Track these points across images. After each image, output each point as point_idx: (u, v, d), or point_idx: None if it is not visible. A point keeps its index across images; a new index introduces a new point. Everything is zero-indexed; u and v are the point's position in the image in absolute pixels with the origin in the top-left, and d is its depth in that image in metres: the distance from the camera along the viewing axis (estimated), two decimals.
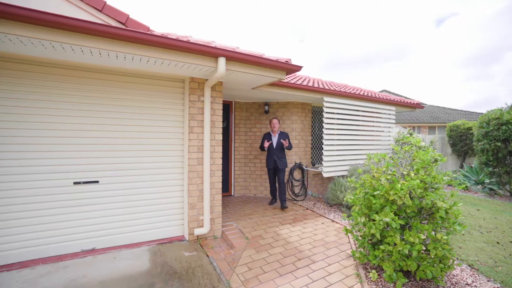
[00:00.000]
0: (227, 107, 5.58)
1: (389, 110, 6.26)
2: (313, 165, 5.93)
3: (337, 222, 4.11)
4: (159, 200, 3.41)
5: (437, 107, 18.37)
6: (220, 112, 3.62)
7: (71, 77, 2.92)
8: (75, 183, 2.98)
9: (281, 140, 4.70)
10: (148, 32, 2.47)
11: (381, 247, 2.50)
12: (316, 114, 6.09)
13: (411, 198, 2.44)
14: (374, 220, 2.60)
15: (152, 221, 3.37)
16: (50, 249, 2.86)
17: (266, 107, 5.51)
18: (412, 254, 2.29)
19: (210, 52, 2.75)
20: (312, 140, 5.97)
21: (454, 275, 2.77)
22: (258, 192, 5.61)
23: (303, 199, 5.51)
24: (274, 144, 4.76)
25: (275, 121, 4.82)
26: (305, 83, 4.76)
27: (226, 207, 4.80)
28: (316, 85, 4.82)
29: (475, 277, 2.77)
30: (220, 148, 3.63)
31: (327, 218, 4.31)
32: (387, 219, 2.30)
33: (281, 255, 3.07)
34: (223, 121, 5.48)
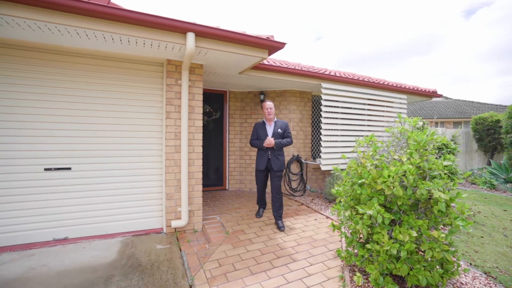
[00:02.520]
0: (221, 97, 5.34)
1: (400, 99, 5.69)
2: (314, 158, 5.52)
3: (331, 219, 3.71)
4: (136, 190, 3.23)
5: (464, 101, 16.95)
6: (200, 97, 3.38)
7: (36, 59, 2.79)
8: (46, 169, 2.87)
9: (278, 130, 3.47)
10: (106, 4, 2.27)
11: (367, 245, 2.12)
12: (317, 104, 5.67)
13: (404, 188, 2.03)
14: (361, 214, 2.23)
15: (129, 211, 3.20)
16: (20, 236, 2.77)
17: (262, 96, 5.20)
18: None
19: (176, 27, 2.50)
20: (312, 131, 5.57)
21: (462, 284, 2.31)
22: (254, 187, 5.31)
23: (302, 195, 5.13)
24: (270, 136, 3.46)
25: (268, 104, 3.47)
26: (305, 69, 4.36)
27: (216, 200, 4.56)
28: (312, 70, 4.42)
29: (491, 287, 2.30)
30: (200, 136, 3.39)
31: (321, 214, 3.93)
32: (370, 212, 1.92)
33: (259, 252, 2.76)
34: (217, 111, 5.27)
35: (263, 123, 3.58)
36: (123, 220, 3.18)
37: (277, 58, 4.07)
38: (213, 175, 5.42)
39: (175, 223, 3.17)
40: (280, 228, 3.30)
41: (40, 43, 2.74)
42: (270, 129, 3.53)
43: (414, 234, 1.81)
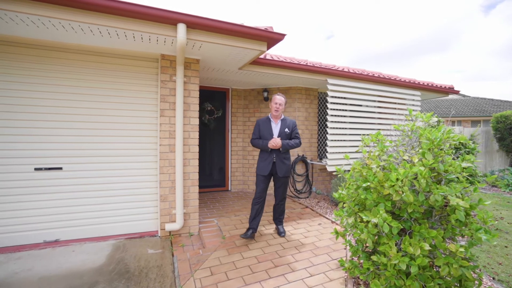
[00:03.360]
0: (223, 95, 5.17)
1: (413, 95, 5.34)
2: (320, 159, 5.26)
3: (336, 224, 3.46)
4: (131, 191, 3.10)
5: (483, 98, 16.08)
6: (196, 94, 3.21)
7: (21, 55, 2.69)
8: (36, 169, 2.78)
9: (286, 130, 2.98)
10: None
11: (373, 257, 1.87)
12: (324, 101, 5.40)
13: (416, 193, 1.78)
14: (366, 221, 1.98)
15: (123, 213, 3.08)
16: (9, 238, 2.69)
17: (265, 94, 4.99)
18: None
19: (166, 18, 2.34)
20: (318, 130, 5.30)
21: None
22: None
23: (307, 197, 4.89)
24: (275, 136, 2.95)
25: (279, 98, 2.95)
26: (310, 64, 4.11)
27: (217, 202, 4.39)
28: (317, 65, 4.17)
29: None
30: (196, 134, 3.22)
31: (326, 218, 3.68)
32: (375, 220, 1.68)
33: (256, 259, 2.56)
34: (219, 109, 5.10)
35: (268, 120, 3.04)
36: (117, 222, 3.05)
37: (284, 55, 3.82)
38: (215, 176, 5.26)
39: (169, 226, 3.02)
40: (281, 233, 3.07)
41: (25, 38, 2.65)
42: (276, 128, 3.01)
43: (427, 247, 1.55)
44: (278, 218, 3.18)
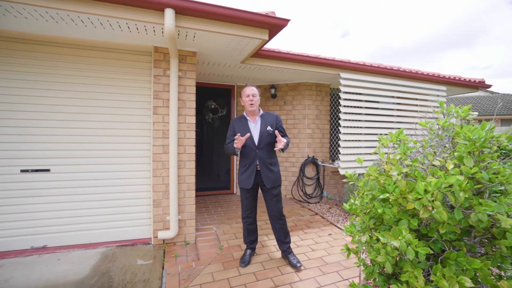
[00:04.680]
0: (228, 92, 4.88)
1: (437, 91, 4.80)
2: (332, 160, 4.85)
3: (350, 235, 3.06)
4: (123, 195, 2.88)
5: None
6: (193, 89, 2.94)
7: (8, 50, 2.53)
8: (22, 171, 2.62)
9: (268, 129, 2.33)
10: None
11: (392, 287, 1.50)
12: (336, 98, 4.99)
13: (450, 209, 1.39)
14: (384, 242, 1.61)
15: (114, 218, 2.86)
16: None
17: (273, 90, 4.65)
18: None
19: (151, 2, 2.08)
20: (330, 129, 4.89)
21: None
22: None
23: (318, 202, 4.50)
24: (256, 139, 2.34)
25: (249, 89, 2.32)
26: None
27: (219, 206, 4.11)
28: (328, 57, 3.78)
29: None
30: (193, 134, 2.95)
31: (338, 227, 3.29)
32: (396, 243, 1.31)
33: (254, 276, 2.24)
34: (223, 108, 4.83)
35: (243, 119, 2.40)
36: (108, 229, 2.84)
37: (296, 51, 3.46)
38: (222, 177, 4.99)
39: (162, 234, 2.76)
40: (296, 265, 2.34)
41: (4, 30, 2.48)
42: (255, 128, 2.36)
43: (469, 283, 1.17)
44: (284, 242, 2.45)
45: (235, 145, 2.21)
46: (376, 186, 1.70)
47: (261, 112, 2.43)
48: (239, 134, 2.18)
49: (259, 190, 2.47)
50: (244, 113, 2.44)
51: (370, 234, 1.70)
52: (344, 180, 1.89)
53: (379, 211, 1.55)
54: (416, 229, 1.50)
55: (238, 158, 4.92)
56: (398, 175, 1.49)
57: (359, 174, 1.92)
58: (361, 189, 1.82)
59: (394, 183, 1.53)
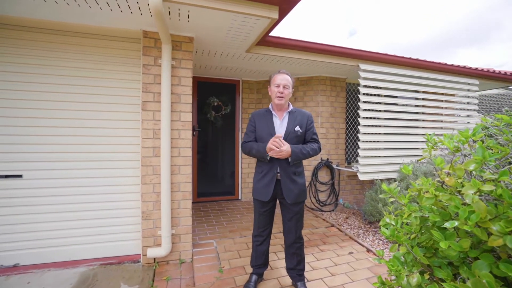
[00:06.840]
0: (232, 88, 4.45)
1: (468, 85, 4.24)
2: (349, 163, 4.34)
3: (375, 254, 2.58)
4: (108, 204, 2.48)
5: None
6: (189, 81, 2.51)
7: None
8: None
9: (296, 129, 1.89)
10: None
11: None
12: (353, 94, 4.48)
13: None
14: (443, 282, 1.13)
15: (98, 232, 2.47)
16: None
17: None
18: None
19: None
20: (347, 129, 4.39)
21: None
22: None
23: (332, 210, 4.02)
24: (282, 137, 1.87)
25: (281, 78, 1.89)
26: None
27: (222, 215, 3.67)
28: (346, 46, 3.29)
29: None
30: (189, 133, 2.52)
31: (360, 244, 2.80)
32: None
33: None
34: (227, 105, 4.40)
35: (268, 113, 1.97)
36: (90, 244, 2.44)
37: (309, 39, 3.02)
38: (226, 181, 4.56)
39: (152, 252, 2.35)
40: None
41: None
42: (281, 126, 1.93)
43: None
44: (295, 269, 2.01)
45: (268, 152, 1.80)
46: (431, 208, 1.22)
47: (291, 107, 1.98)
48: (279, 135, 1.80)
49: (277, 203, 2.01)
50: (270, 106, 1.99)
51: (422, 274, 1.22)
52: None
53: (442, 245, 1.07)
54: (503, 277, 1.01)
55: (249, 160, 4.47)
56: (474, 194, 1.01)
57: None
58: (407, 209, 1.34)
59: (464, 205, 1.05)
